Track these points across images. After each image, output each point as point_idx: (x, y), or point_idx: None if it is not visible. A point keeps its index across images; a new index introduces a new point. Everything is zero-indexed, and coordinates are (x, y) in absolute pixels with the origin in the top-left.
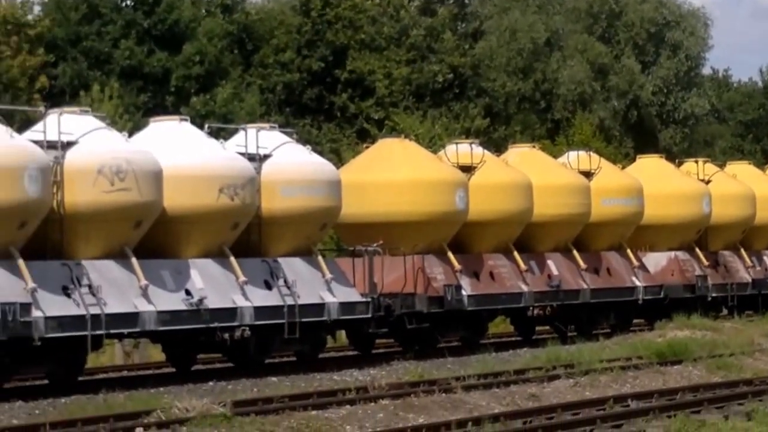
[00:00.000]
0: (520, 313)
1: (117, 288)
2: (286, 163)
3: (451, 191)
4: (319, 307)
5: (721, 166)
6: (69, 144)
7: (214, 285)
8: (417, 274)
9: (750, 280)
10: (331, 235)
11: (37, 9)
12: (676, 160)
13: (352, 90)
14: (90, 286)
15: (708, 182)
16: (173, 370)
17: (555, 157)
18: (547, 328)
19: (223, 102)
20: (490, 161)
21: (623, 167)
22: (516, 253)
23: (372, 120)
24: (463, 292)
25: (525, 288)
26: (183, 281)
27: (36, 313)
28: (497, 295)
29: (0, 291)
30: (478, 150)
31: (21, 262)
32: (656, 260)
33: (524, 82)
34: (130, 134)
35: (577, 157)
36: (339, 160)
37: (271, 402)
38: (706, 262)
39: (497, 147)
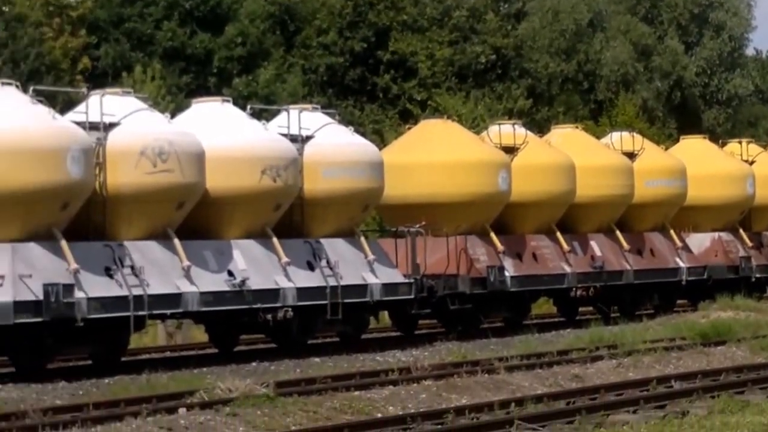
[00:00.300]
0: (563, 294)
1: (159, 269)
2: (329, 145)
3: (494, 172)
4: (362, 288)
5: (765, 146)
6: (111, 125)
7: (256, 266)
8: (460, 255)
9: None
10: (374, 216)
11: None
12: (720, 141)
13: (395, 71)
14: (132, 267)
15: (752, 163)
16: (216, 350)
17: (598, 138)
18: (590, 308)
19: (266, 83)
20: (533, 142)
21: (666, 148)
22: (559, 234)
23: (415, 101)
24: (506, 273)
25: (568, 269)
26: (225, 262)
27: (79, 294)
28: (540, 276)
29: (43, 272)
30: (521, 131)
31: (64, 243)
32: (700, 241)
33: (567, 63)
34: (173, 115)
35: (620, 138)
36: (381, 141)
37: (313, 383)
38: (749, 243)
39: (540, 128)
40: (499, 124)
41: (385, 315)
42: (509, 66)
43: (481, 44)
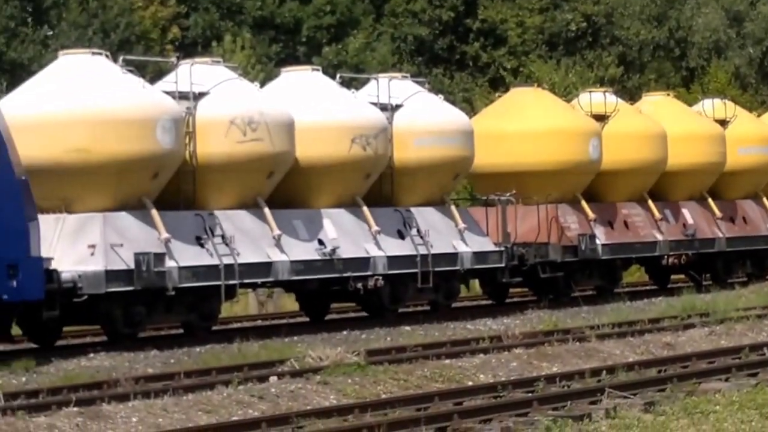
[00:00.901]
0: (654, 262)
1: (250, 238)
2: (419, 113)
3: (585, 140)
4: (452, 257)
5: None
6: (201, 95)
7: (347, 234)
8: (551, 223)
9: None
10: (465, 184)
11: None
12: None
13: (484, 39)
14: (223, 236)
15: None
16: (307, 319)
17: (690, 105)
18: (682, 276)
19: (355, 52)
20: (624, 110)
21: (759, 115)
22: (650, 202)
23: (506, 69)
24: (597, 241)
25: (659, 237)
26: (316, 231)
27: (170, 263)
28: (631, 244)
29: (134, 241)
30: (612, 99)
31: (154, 213)
32: None
33: (658, 30)
34: (262, 85)
35: (712, 105)
36: (471, 110)
37: (404, 351)
38: None
39: (631, 95)
40: (590, 91)
41: (475, 283)
42: (600, 33)
43: (572, 11)
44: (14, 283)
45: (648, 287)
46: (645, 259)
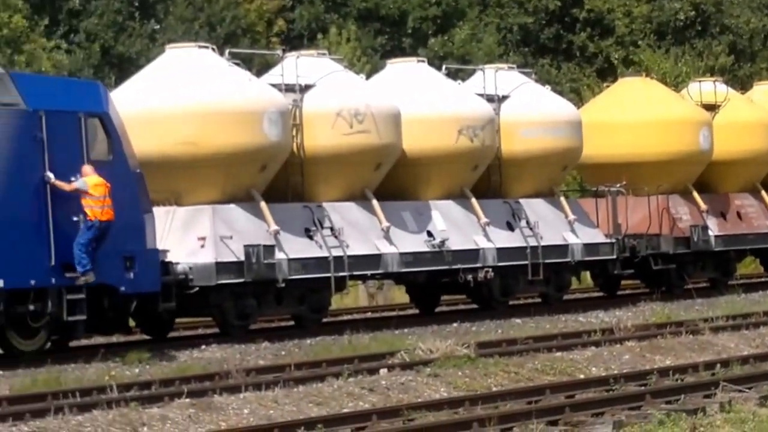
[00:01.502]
0: None
1: (358, 230)
2: (526, 104)
3: (695, 130)
4: (563, 248)
5: None
6: (307, 87)
7: (455, 226)
8: (662, 214)
9: None
10: (574, 175)
11: None
12: None
13: (591, 29)
14: (332, 228)
15: None
16: (417, 311)
17: None
18: None
19: (461, 43)
20: (735, 99)
21: None
22: (764, 193)
23: (616, 60)
24: (710, 233)
25: None
26: (424, 223)
27: (279, 255)
28: (745, 236)
29: (244, 233)
30: (722, 88)
31: (263, 205)
32: None
33: None
34: (368, 77)
35: None
36: (579, 100)
37: (515, 343)
38: None
39: (742, 85)
40: (700, 81)
41: (587, 275)
42: (709, 22)
43: (680, 0)
44: (131, 275)
45: (763, 279)
46: (759, 251)
